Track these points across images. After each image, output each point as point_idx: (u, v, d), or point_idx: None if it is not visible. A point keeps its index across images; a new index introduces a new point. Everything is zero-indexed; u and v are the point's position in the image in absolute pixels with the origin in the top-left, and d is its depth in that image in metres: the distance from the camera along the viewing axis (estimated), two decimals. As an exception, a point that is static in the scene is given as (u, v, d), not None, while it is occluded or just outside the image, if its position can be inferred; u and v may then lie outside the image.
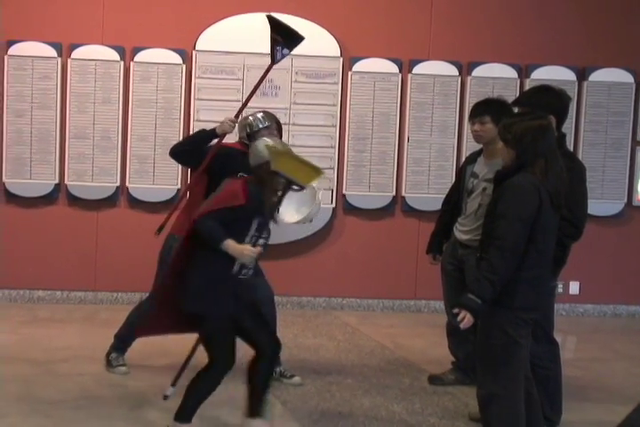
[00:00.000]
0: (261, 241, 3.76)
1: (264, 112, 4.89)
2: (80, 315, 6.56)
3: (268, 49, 6.75)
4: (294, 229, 6.51)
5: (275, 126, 4.83)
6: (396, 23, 7.09)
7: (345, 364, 5.37)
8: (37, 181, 6.83)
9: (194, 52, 6.87)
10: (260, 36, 6.76)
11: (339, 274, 7.14)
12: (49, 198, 6.89)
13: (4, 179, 6.83)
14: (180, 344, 5.61)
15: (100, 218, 6.96)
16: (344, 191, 7.09)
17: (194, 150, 4.68)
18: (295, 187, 3.76)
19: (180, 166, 6.45)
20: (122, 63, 6.82)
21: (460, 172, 4.91)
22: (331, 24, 6.97)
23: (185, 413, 3.76)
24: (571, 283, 7.35)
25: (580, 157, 7.13)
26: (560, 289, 7.33)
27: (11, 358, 5.16)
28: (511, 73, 7.12)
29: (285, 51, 4.59)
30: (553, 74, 7.11)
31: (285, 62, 6.77)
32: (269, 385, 3.85)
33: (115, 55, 6.81)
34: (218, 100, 6.84)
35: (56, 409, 4.23)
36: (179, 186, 6.77)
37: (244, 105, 4.82)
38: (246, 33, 6.77)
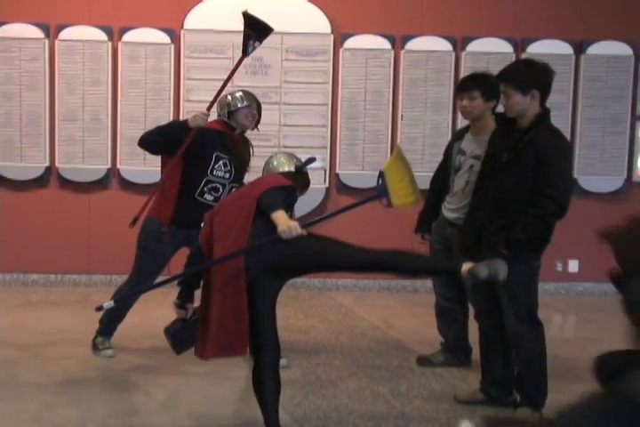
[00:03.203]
0: None
1: (243, 91, 4.82)
2: (74, 298, 6.53)
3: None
4: (288, 210, 6.43)
5: (255, 106, 4.76)
6: (388, -2, 6.97)
7: (335, 345, 5.30)
8: (28, 165, 6.79)
9: (182, 32, 6.78)
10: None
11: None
12: (40, 181, 6.85)
13: (-6, 162, 6.80)
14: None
15: (91, 200, 6.91)
16: (337, 170, 7.01)
17: (165, 142, 4.61)
18: (383, 200, 3.62)
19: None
20: (110, 43, 6.74)
21: (448, 149, 4.82)
22: (320, 0, 6.85)
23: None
24: (570, 261, 7.27)
25: (577, 132, 7.10)
26: (559, 267, 7.26)
27: (-1, 342, 5.15)
28: (506, 47, 6.99)
29: (257, 44, 4.66)
30: (549, 47, 6.98)
31: (275, 40, 6.77)
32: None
33: (102, 35, 6.73)
34: (207, 79, 6.74)
35: (39, 393, 4.19)
36: (170, 167, 6.70)
37: (216, 97, 4.74)
38: (234, 11, 6.56)
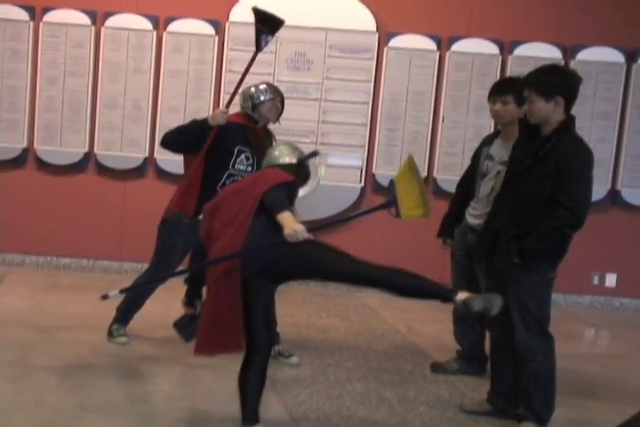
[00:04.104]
0: None
1: (267, 84, 4.83)
2: (102, 284, 6.55)
3: (304, 21, 6.71)
4: (321, 208, 6.39)
5: (279, 99, 4.74)
6: (436, -2, 6.87)
7: (351, 346, 5.23)
8: (67, 149, 6.86)
9: (227, 24, 6.77)
10: (294, 9, 6.73)
11: (365, 254, 6.88)
12: (78, 167, 6.92)
13: (35, 145, 6.86)
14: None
15: (127, 188, 6.95)
16: (374, 170, 6.93)
17: (187, 141, 4.62)
18: (392, 210, 3.58)
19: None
20: (155, 33, 6.77)
21: (476, 153, 4.71)
22: (368, -3, 6.80)
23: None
24: (607, 275, 7.07)
25: (624, 143, 6.89)
26: (596, 281, 7.07)
27: (18, 323, 5.18)
28: (555, 53, 6.81)
29: (269, 37, 4.67)
30: (600, 55, 6.81)
31: (319, 36, 6.77)
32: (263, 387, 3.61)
33: (148, 25, 6.76)
34: (250, 73, 6.65)
35: (45, 376, 4.21)
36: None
37: (234, 94, 4.72)
38: (280, 5, 6.59)
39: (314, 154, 3.88)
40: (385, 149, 6.91)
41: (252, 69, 6.59)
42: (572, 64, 6.78)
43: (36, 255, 6.97)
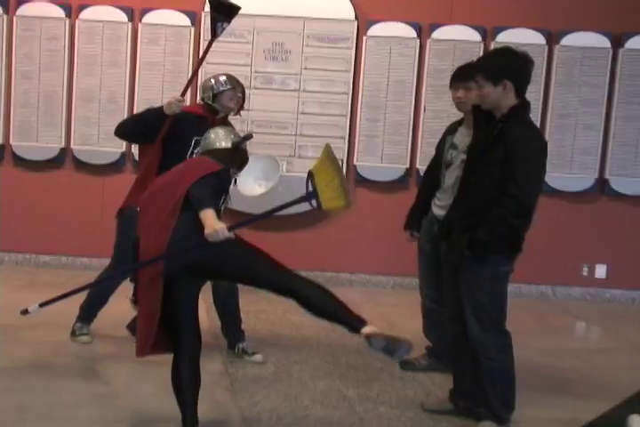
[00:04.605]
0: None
1: (227, 75, 4.72)
2: (81, 281, 6.32)
3: (282, 11, 6.58)
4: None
5: (239, 89, 4.64)
6: (416, -16, 6.70)
7: (322, 343, 5.11)
8: (44, 145, 6.76)
9: (203, 14, 6.63)
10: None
11: (348, 248, 6.86)
12: (55, 162, 6.82)
13: (11, 141, 6.77)
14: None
15: (105, 183, 6.85)
16: (355, 162, 6.78)
17: (142, 131, 4.51)
18: (313, 202, 3.45)
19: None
20: (130, 25, 6.65)
21: (440, 143, 4.56)
22: (345, -15, 6.64)
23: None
24: (597, 266, 6.89)
25: (611, 131, 6.69)
26: (585, 272, 6.90)
27: (-17, 323, 5.09)
28: (539, 39, 6.62)
29: (225, 24, 4.57)
30: (585, 40, 6.61)
31: (297, 25, 6.64)
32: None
33: (123, 16, 6.65)
34: (226, 64, 6.57)
35: (-5, 377, 4.13)
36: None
37: (190, 82, 4.69)
38: (257, -5, 6.50)
39: (247, 137, 3.76)
40: (366, 140, 6.76)
41: (229, 60, 6.59)
42: (557, 50, 6.62)
43: (15, 253, 6.89)
